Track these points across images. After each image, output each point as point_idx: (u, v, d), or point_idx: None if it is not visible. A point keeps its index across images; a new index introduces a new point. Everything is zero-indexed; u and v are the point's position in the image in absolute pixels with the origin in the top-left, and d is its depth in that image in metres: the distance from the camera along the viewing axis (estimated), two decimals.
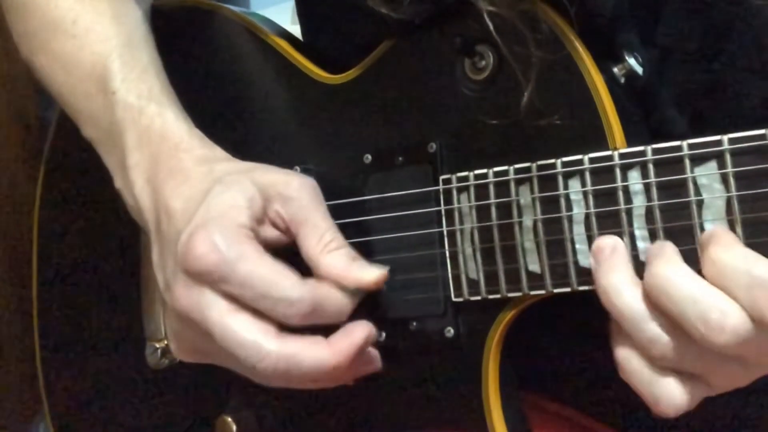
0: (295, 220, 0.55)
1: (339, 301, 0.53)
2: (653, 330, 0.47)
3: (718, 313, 0.44)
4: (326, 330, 0.53)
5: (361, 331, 0.53)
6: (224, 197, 0.54)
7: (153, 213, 0.58)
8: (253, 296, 0.51)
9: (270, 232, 0.56)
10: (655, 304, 0.46)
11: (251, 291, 0.51)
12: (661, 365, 0.47)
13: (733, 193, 0.46)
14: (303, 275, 0.53)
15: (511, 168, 0.53)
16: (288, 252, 0.56)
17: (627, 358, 0.49)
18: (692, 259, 0.47)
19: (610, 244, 0.49)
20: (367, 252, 0.59)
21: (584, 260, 0.50)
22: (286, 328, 0.52)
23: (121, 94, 0.61)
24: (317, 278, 0.54)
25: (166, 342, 0.70)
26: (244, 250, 0.52)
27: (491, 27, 0.52)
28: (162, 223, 0.56)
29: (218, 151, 0.59)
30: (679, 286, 0.45)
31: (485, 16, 0.52)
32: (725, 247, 0.45)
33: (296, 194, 0.55)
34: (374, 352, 0.56)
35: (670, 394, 0.47)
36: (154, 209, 0.57)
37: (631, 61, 0.54)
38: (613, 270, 0.48)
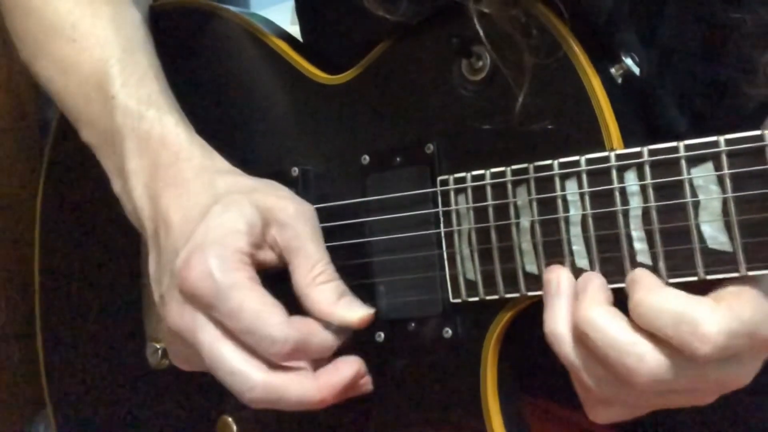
0: (288, 248, 0.56)
1: (323, 340, 0.54)
2: (593, 379, 0.48)
3: (635, 357, 0.45)
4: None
5: (349, 368, 0.54)
6: (223, 219, 0.54)
7: (151, 221, 0.58)
8: (239, 328, 0.52)
9: (268, 256, 0.56)
10: (584, 345, 0.47)
11: (237, 323, 0.52)
12: (610, 402, 0.49)
13: (729, 194, 0.46)
14: (295, 301, 0.54)
15: (509, 169, 0.53)
16: (285, 275, 0.56)
17: (592, 411, 0.51)
18: (689, 260, 0.47)
19: (554, 282, 0.50)
20: (365, 253, 0.60)
21: (581, 261, 0.50)
22: None
23: (120, 98, 0.61)
24: (304, 313, 0.54)
25: None
26: (237, 278, 0.52)
27: (481, 30, 0.53)
28: (160, 235, 0.57)
29: (218, 161, 0.59)
30: (600, 330, 0.46)
31: (475, 19, 0.53)
32: (648, 290, 0.46)
33: (292, 221, 0.56)
34: (365, 379, 0.56)
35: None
36: (153, 218, 0.58)
37: (628, 61, 0.54)
38: (556, 316, 0.49)
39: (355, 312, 0.55)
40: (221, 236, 0.53)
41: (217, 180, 0.57)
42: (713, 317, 0.44)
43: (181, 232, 0.55)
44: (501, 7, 0.52)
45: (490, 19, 0.52)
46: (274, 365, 0.53)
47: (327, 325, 0.54)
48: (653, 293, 0.46)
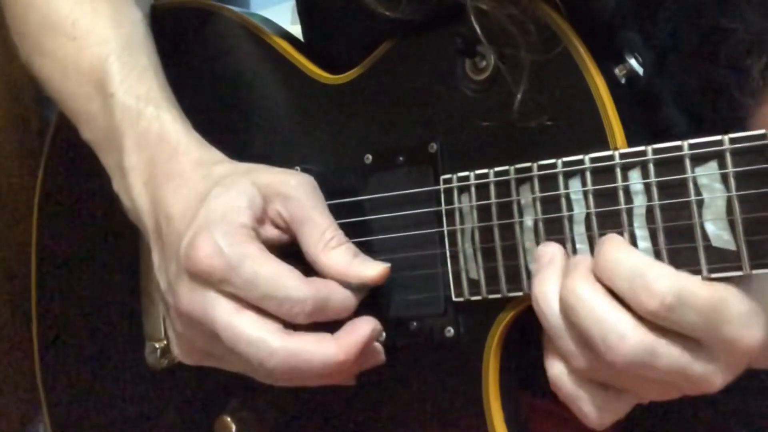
0: (295, 219, 0.55)
1: (343, 299, 0.54)
2: (569, 344, 0.48)
3: (616, 335, 0.46)
4: (330, 326, 0.54)
5: (366, 326, 0.53)
6: (224, 198, 0.54)
7: (152, 217, 0.58)
8: (257, 296, 0.52)
9: (271, 232, 0.56)
10: (568, 317, 0.48)
11: (255, 291, 0.52)
12: (582, 376, 0.49)
13: (734, 192, 0.46)
14: (306, 273, 0.54)
15: (512, 168, 0.53)
16: (290, 250, 0.56)
17: (551, 367, 0.51)
18: (693, 258, 0.47)
19: (549, 253, 0.50)
20: (368, 252, 0.59)
21: None
22: (291, 325, 0.53)
23: (119, 96, 0.61)
24: (320, 276, 0.54)
25: (165, 342, 0.70)
26: (247, 250, 0.52)
27: (478, 27, 0.53)
28: (162, 228, 0.57)
29: (216, 154, 0.59)
30: (587, 304, 0.47)
31: (472, 16, 0.53)
32: (612, 246, 0.47)
33: (295, 192, 0.56)
34: (378, 346, 0.56)
35: (590, 406, 0.50)
36: (153, 213, 0.57)
37: (632, 61, 0.54)
38: (547, 280, 0.49)
39: (372, 268, 0.55)
40: (223, 214, 0.53)
41: (214, 168, 0.57)
42: (667, 278, 0.45)
43: (181, 219, 0.55)
44: (498, 3, 0.52)
45: (488, 15, 0.52)
46: (292, 332, 0.52)
47: (345, 284, 0.54)
48: (617, 249, 0.47)
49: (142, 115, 0.60)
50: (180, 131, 0.59)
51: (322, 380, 0.54)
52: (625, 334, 0.46)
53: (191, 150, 0.58)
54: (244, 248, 0.52)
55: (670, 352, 0.46)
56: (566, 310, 0.48)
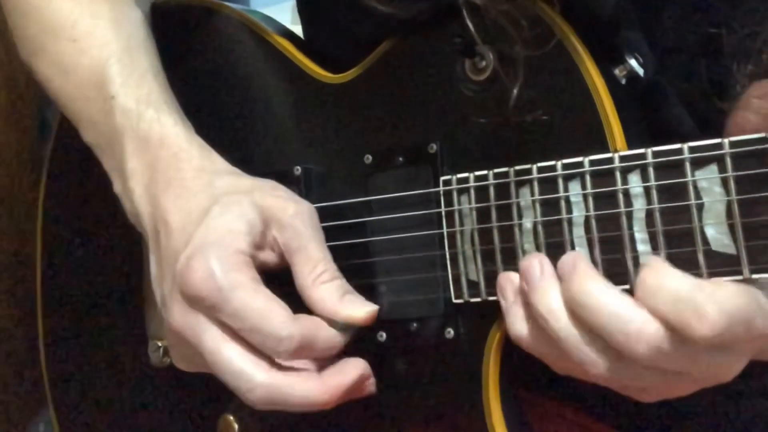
0: (288, 249, 0.55)
1: (329, 337, 0.54)
2: (589, 353, 0.47)
3: (638, 324, 0.45)
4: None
5: (354, 369, 0.54)
6: (223, 220, 0.54)
7: (151, 222, 0.58)
8: (244, 328, 0.52)
9: (269, 256, 0.56)
10: (580, 320, 0.47)
11: (243, 323, 0.52)
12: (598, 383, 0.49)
13: (734, 196, 0.46)
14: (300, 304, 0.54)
15: (512, 170, 0.53)
16: (288, 277, 0.56)
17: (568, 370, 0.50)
18: (693, 262, 0.47)
19: (537, 266, 0.49)
20: (367, 253, 0.59)
21: None
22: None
23: (119, 98, 0.61)
24: (309, 313, 0.54)
25: None
26: (240, 279, 0.52)
27: (470, 26, 0.52)
28: (161, 237, 0.57)
29: (218, 161, 0.59)
30: (601, 300, 0.46)
31: (464, 13, 0.52)
32: (654, 270, 0.46)
33: (291, 221, 0.56)
34: (370, 381, 0.56)
35: None
36: (152, 219, 0.58)
37: (632, 62, 0.54)
38: (548, 294, 0.48)
39: (359, 309, 0.55)
40: (221, 237, 0.53)
41: (216, 180, 0.57)
42: (715, 300, 0.44)
43: (180, 234, 0.55)
44: (499, 3, 0.52)
45: (481, 12, 0.52)
46: (278, 366, 0.53)
47: (332, 323, 0.54)
48: (659, 272, 0.46)
49: (143, 118, 0.60)
50: (181, 135, 0.59)
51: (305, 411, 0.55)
52: (645, 323, 0.45)
53: (192, 156, 0.58)
54: (236, 276, 0.52)
55: (693, 345, 0.45)
56: (578, 311, 0.47)
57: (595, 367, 0.48)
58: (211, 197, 0.55)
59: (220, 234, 0.53)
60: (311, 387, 0.53)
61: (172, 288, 0.54)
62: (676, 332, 0.44)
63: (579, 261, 0.48)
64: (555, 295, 0.48)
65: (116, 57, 0.62)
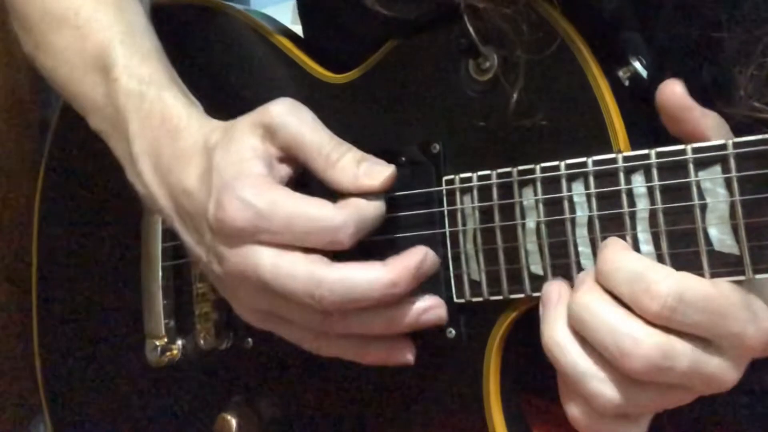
0: (290, 148, 0.55)
1: (375, 208, 0.54)
2: (595, 386, 0.48)
3: (631, 340, 0.46)
4: None
5: (418, 251, 0.54)
6: (230, 156, 0.54)
7: (169, 200, 0.58)
8: (298, 236, 0.52)
9: (283, 169, 0.56)
10: (578, 333, 0.48)
11: (294, 231, 0.52)
12: (604, 414, 0.49)
13: (737, 197, 0.46)
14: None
15: (515, 170, 0.53)
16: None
17: (572, 410, 0.51)
18: (696, 262, 0.47)
19: (555, 293, 0.50)
20: (369, 252, 0.59)
21: (586, 262, 0.50)
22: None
23: (123, 80, 0.61)
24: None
25: (165, 340, 0.70)
26: (273, 195, 0.53)
27: (471, 29, 0.53)
28: (184, 205, 0.57)
29: (212, 122, 0.59)
30: (594, 313, 0.47)
31: (465, 17, 0.53)
32: (613, 250, 0.47)
33: (278, 120, 0.55)
34: (432, 259, 0.55)
35: None
36: (169, 196, 0.58)
37: (636, 64, 0.54)
38: (556, 324, 0.49)
39: (376, 179, 0.54)
40: (236, 171, 0.54)
41: (211, 136, 0.57)
42: (667, 280, 0.45)
43: (200, 191, 0.55)
44: (492, 3, 0.52)
45: (482, 15, 0.52)
46: (337, 262, 0.53)
47: (366, 195, 0.54)
48: (617, 253, 0.47)
49: (145, 97, 0.60)
50: (179, 107, 0.59)
51: (378, 317, 0.54)
52: (639, 338, 0.46)
53: (191, 124, 0.58)
54: (269, 194, 0.53)
55: (684, 350, 0.46)
56: (578, 325, 0.48)
57: (607, 399, 0.48)
58: (211, 149, 0.56)
59: (235, 168, 0.54)
60: (377, 269, 0.52)
61: (213, 239, 0.54)
62: (670, 341, 0.46)
63: (588, 276, 0.49)
64: (563, 329, 0.49)
65: (119, 39, 0.62)
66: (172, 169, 0.57)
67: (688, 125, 0.49)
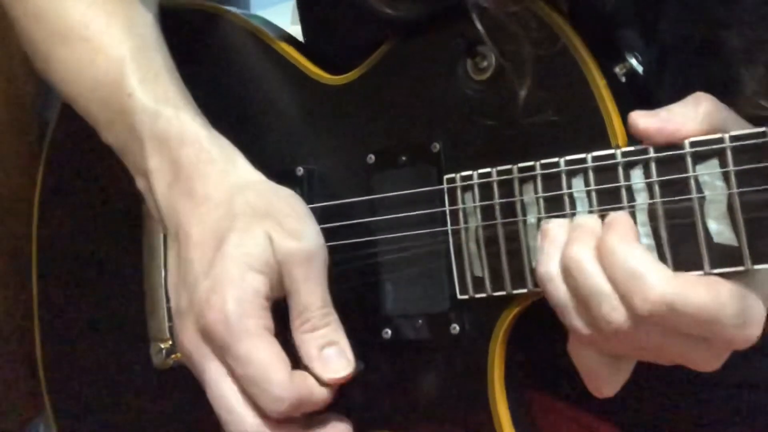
0: (287, 287, 0.56)
1: (318, 399, 0.56)
2: (574, 321, 0.49)
3: (608, 306, 0.47)
4: None
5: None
6: (241, 254, 0.55)
7: (173, 224, 0.58)
8: (244, 376, 0.54)
9: (281, 293, 0.57)
10: (567, 283, 0.49)
11: (243, 371, 0.54)
12: (590, 348, 0.51)
13: (735, 190, 0.47)
14: None
15: (515, 167, 0.54)
16: None
17: (572, 345, 0.52)
18: (696, 255, 0.48)
19: (553, 230, 0.51)
20: (372, 251, 0.60)
21: None
22: None
23: (137, 97, 0.60)
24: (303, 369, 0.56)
25: (170, 342, 0.71)
26: (251, 327, 0.54)
27: (479, 25, 0.53)
28: (181, 242, 0.57)
29: (239, 162, 0.60)
30: (582, 272, 0.48)
31: (473, 15, 0.53)
32: (620, 239, 0.48)
33: (286, 260, 0.56)
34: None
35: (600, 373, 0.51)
36: (174, 222, 0.58)
37: (632, 60, 0.55)
38: (550, 259, 0.50)
39: (327, 371, 0.56)
40: (241, 275, 0.55)
41: (237, 196, 0.57)
42: (664, 286, 0.46)
43: (199, 250, 0.56)
44: (499, 1, 0.52)
45: (489, 13, 0.53)
46: (269, 417, 0.55)
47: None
48: (623, 244, 0.48)
49: (161, 115, 0.60)
50: (201, 132, 0.59)
51: None
52: (617, 305, 0.47)
53: (214, 159, 0.59)
54: (248, 324, 0.54)
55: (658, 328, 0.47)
56: (567, 275, 0.49)
57: (586, 334, 0.49)
58: (230, 216, 0.56)
59: (240, 270, 0.55)
60: None
61: (188, 310, 0.56)
62: None
63: (585, 226, 0.50)
64: (554, 260, 0.50)
65: (131, 56, 0.62)
66: (183, 201, 0.58)
67: (673, 135, 0.49)
